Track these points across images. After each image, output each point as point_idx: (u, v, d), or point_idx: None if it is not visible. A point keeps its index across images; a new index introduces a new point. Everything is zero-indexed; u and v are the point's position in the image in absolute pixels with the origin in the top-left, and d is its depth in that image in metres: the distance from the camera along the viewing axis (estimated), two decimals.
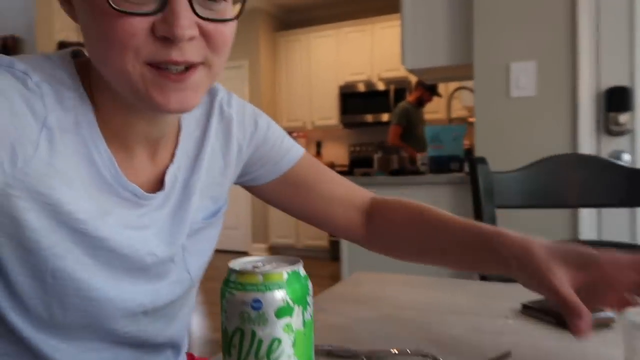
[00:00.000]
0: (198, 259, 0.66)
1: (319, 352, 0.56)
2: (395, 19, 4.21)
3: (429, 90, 4.13)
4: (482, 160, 1.16)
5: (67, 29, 3.66)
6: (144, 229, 0.57)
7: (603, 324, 0.62)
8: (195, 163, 0.64)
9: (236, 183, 0.74)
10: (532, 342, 0.58)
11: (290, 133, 5.66)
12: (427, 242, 0.67)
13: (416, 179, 2.25)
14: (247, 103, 0.72)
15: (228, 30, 0.50)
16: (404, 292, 0.82)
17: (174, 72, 0.47)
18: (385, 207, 0.73)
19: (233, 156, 0.68)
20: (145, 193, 0.57)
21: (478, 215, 1.14)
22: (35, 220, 0.48)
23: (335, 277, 2.93)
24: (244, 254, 5.40)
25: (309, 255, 5.13)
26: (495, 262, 0.56)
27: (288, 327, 0.36)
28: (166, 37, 0.45)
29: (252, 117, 0.70)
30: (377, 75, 5.34)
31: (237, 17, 0.50)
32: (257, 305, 0.36)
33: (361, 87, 5.36)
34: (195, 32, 0.46)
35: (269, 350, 0.36)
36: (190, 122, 0.64)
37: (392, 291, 0.83)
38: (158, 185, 0.60)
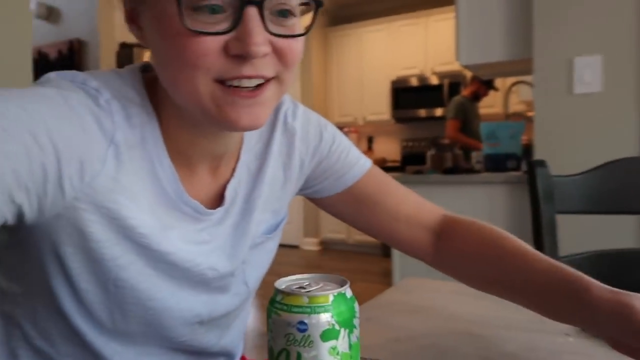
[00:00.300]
0: (257, 271, 0.66)
1: None
2: (450, 11, 4.09)
3: (486, 84, 3.99)
4: (542, 163, 1.11)
5: (128, 31, 3.82)
6: (204, 244, 0.58)
7: None
8: (257, 177, 0.63)
9: (298, 194, 0.73)
10: None
11: (341, 128, 5.65)
12: (503, 276, 0.61)
13: (471, 178, 2.18)
14: (313, 114, 0.70)
15: (299, 45, 0.50)
16: (455, 301, 0.80)
17: (246, 89, 0.47)
18: (458, 227, 0.68)
19: (295, 170, 0.67)
20: (205, 209, 0.57)
21: (536, 220, 1.09)
22: (100, 233, 0.49)
23: (387, 274, 2.90)
24: (295, 247, 5.46)
25: (360, 251, 5.12)
26: (579, 314, 0.51)
27: (334, 349, 0.36)
28: (239, 55, 0.45)
29: (317, 130, 0.68)
30: (430, 69, 5.22)
31: (306, 32, 0.50)
32: (302, 327, 0.36)
33: (414, 82, 5.27)
34: (268, 49, 0.46)
35: None
36: (252, 136, 0.63)
37: (443, 300, 0.81)
38: (218, 200, 0.60)
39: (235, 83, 0.46)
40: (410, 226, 0.70)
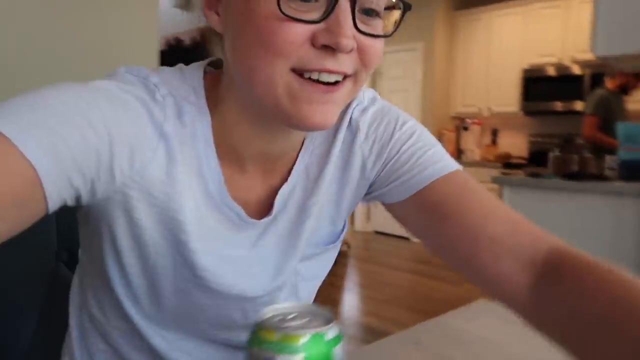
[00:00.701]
0: (310, 283, 0.64)
1: None
2: None
3: (636, 75, 3.49)
4: None
5: None
6: (243, 259, 0.57)
7: None
8: (316, 183, 0.59)
9: (363, 201, 0.66)
10: None
11: (463, 119, 5.42)
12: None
13: (597, 186, 1.93)
14: (392, 112, 0.63)
15: (380, 46, 0.48)
16: (526, 340, 0.71)
17: (324, 84, 0.46)
18: (577, 269, 0.47)
19: (354, 174, 0.61)
20: (248, 217, 0.56)
21: None
22: (144, 219, 0.51)
23: None
24: (406, 239, 5.37)
25: None
26: None
27: None
28: (327, 46, 0.44)
29: (389, 128, 0.60)
30: (570, 58, 4.69)
31: (391, 33, 0.49)
32: None
33: (550, 71, 4.78)
34: (354, 44, 0.45)
35: None
36: (315, 138, 0.59)
37: (512, 335, 0.72)
38: (269, 206, 0.57)
39: (315, 76, 0.45)
40: (497, 254, 0.51)
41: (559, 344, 0.46)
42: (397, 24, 0.49)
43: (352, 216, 6.05)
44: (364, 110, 0.61)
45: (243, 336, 0.60)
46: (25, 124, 0.41)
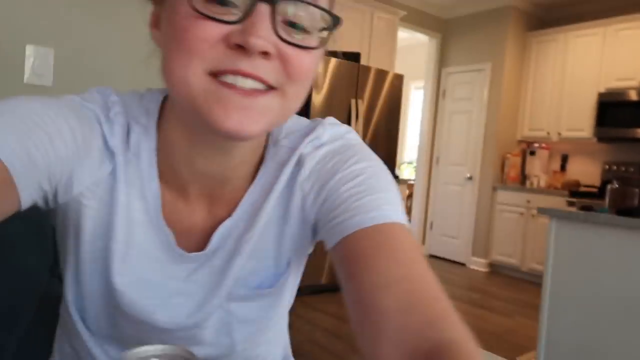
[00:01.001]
0: (247, 327, 0.60)
1: None
2: None
3: None
4: None
5: None
6: (170, 289, 0.56)
7: None
8: (254, 219, 0.56)
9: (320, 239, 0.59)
10: None
11: (531, 143, 5.15)
12: None
13: None
14: (349, 150, 0.57)
15: (307, 60, 0.46)
16: None
17: (239, 86, 0.44)
18: None
19: (295, 212, 0.57)
20: (178, 248, 0.55)
21: None
22: (87, 229, 0.54)
23: None
24: (462, 265, 5.16)
25: (533, 281, 4.57)
26: None
27: None
28: (239, 45, 0.42)
29: (335, 167, 0.55)
30: None
31: (318, 46, 0.46)
32: None
33: (629, 95, 4.43)
34: (271, 48, 0.43)
35: None
36: (268, 171, 0.57)
37: None
38: (208, 238, 0.56)
39: (230, 79, 0.43)
40: (380, 333, 0.43)
41: None
42: (327, 37, 0.47)
43: None
44: (319, 147, 0.57)
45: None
46: (2, 130, 0.43)
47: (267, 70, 0.44)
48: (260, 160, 0.58)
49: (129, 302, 0.55)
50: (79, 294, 0.57)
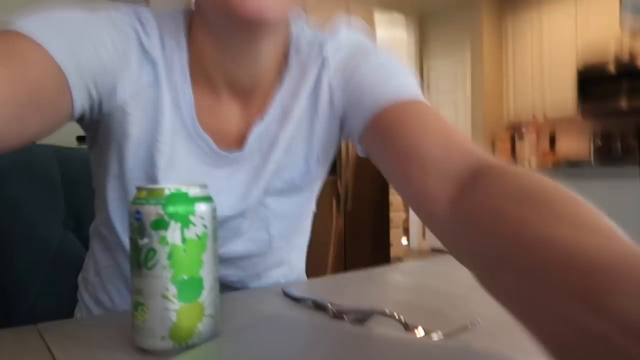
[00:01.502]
0: (282, 222, 0.65)
1: (286, 295, 0.56)
2: None
3: None
4: None
5: None
6: (214, 183, 0.58)
7: None
8: (286, 118, 0.61)
9: (348, 142, 0.66)
10: None
11: (518, 128, 5.22)
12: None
13: (629, 171, 1.82)
14: (365, 46, 0.64)
15: None
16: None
17: None
18: (494, 176, 0.42)
19: (323, 107, 0.62)
20: (217, 148, 0.59)
21: None
22: (134, 134, 0.57)
23: None
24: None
25: None
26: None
27: (163, 239, 0.39)
28: None
29: (353, 63, 0.61)
30: (629, 50, 4.39)
31: None
32: (138, 216, 0.40)
33: (609, 68, 4.48)
34: None
35: (146, 258, 0.39)
36: (294, 76, 0.62)
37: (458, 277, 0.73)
38: (244, 139, 0.61)
39: None
40: (425, 170, 0.49)
41: (464, 263, 0.42)
42: None
43: (407, 233, 5.97)
44: (338, 48, 0.63)
45: (224, 274, 0.63)
46: (52, 34, 0.47)
47: None
48: (286, 67, 0.63)
49: None
50: (123, 202, 0.60)
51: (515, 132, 5.30)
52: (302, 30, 0.65)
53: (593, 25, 4.63)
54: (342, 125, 0.64)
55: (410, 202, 0.52)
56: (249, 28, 0.52)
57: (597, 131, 4.84)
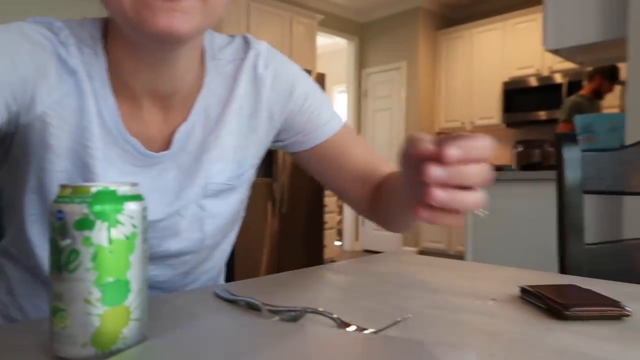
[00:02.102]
0: (216, 221, 0.67)
1: (218, 296, 0.56)
2: None
3: (609, 79, 3.54)
4: (570, 138, 0.97)
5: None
6: (146, 184, 0.60)
7: (611, 317, 0.48)
8: (217, 123, 0.64)
9: (273, 147, 0.75)
10: (497, 324, 0.47)
11: (448, 134, 5.47)
12: (382, 203, 0.70)
13: (546, 174, 1.97)
14: (290, 67, 0.71)
15: None
16: (408, 269, 0.74)
17: None
18: (384, 179, 0.72)
19: (262, 120, 0.68)
20: (145, 150, 0.60)
21: (560, 200, 0.95)
22: (57, 146, 0.56)
23: None
24: None
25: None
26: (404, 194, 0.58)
27: (87, 240, 0.37)
28: None
29: (289, 85, 0.69)
30: (548, 68, 4.79)
31: None
32: (60, 216, 0.37)
33: (529, 82, 4.86)
34: None
35: (67, 261, 0.37)
36: (214, 79, 0.65)
37: (394, 267, 0.75)
38: (169, 143, 0.62)
39: None
40: (363, 185, 0.73)
41: (383, 226, 0.74)
42: None
43: (340, 235, 6.06)
44: (267, 62, 0.68)
45: (152, 274, 0.64)
46: None
47: None
48: (204, 71, 0.64)
49: None
50: (42, 217, 0.58)
51: None
52: (211, 34, 0.67)
53: (518, 44, 4.98)
54: (279, 136, 0.72)
55: (353, 207, 0.78)
56: (162, 41, 0.53)
57: (519, 139, 5.18)
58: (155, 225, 0.61)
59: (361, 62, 5.92)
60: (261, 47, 0.68)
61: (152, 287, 0.66)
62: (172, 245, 0.64)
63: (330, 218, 4.80)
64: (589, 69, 4.28)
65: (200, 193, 0.64)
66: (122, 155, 0.59)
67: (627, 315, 0.48)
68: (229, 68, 0.66)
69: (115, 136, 0.58)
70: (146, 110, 0.61)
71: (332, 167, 0.73)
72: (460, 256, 4.87)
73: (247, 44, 0.68)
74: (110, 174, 0.58)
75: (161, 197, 0.62)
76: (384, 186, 0.70)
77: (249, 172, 0.70)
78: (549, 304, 0.50)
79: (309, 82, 0.72)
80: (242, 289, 0.61)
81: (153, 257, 0.64)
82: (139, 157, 0.60)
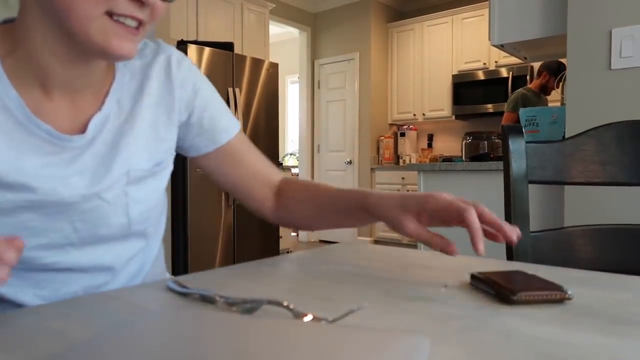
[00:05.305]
0: (140, 205, 0.69)
1: (170, 290, 0.54)
2: None
3: (555, 75, 3.70)
4: (516, 130, 1.01)
5: (183, 30, 4.03)
6: (62, 168, 0.61)
7: (554, 300, 0.50)
8: (130, 113, 0.68)
9: (177, 150, 0.79)
10: (450, 310, 0.49)
11: (401, 126, 5.60)
12: (319, 209, 0.78)
13: (494, 165, 2.04)
14: (196, 72, 0.77)
15: (164, 7, 0.60)
16: (367, 259, 0.75)
17: (129, 26, 0.57)
18: (290, 184, 0.83)
19: (175, 116, 0.74)
20: (59, 133, 0.61)
21: (507, 189, 0.99)
22: None
23: None
24: None
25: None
26: (365, 213, 0.69)
27: None
28: (141, 1, 0.56)
29: (194, 87, 0.75)
30: (495, 62, 4.96)
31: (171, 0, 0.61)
32: None
33: (477, 76, 5.03)
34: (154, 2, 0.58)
35: None
36: (124, 74, 0.69)
37: (350, 258, 0.76)
38: (83, 131, 0.64)
39: (122, 19, 0.56)
40: (262, 186, 0.82)
41: (294, 226, 0.85)
42: None
43: None
44: (180, 63, 0.74)
45: (78, 256, 0.64)
46: None
47: (146, 14, 0.58)
48: (114, 67, 0.69)
49: (32, 189, 0.59)
50: None
51: (398, 130, 5.64)
52: None
53: (466, 38, 5.12)
54: (180, 134, 0.76)
55: (252, 206, 0.84)
56: (113, 60, 0.64)
57: (467, 130, 5.36)
58: (76, 208, 0.62)
59: (314, 52, 5.91)
60: (172, 50, 0.74)
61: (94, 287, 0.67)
62: (100, 230, 0.65)
63: None
64: (532, 64, 4.48)
65: (123, 180, 0.66)
66: (38, 145, 0.60)
67: (569, 299, 0.50)
68: (138, 64, 0.71)
69: (26, 125, 0.59)
70: (56, 101, 0.62)
71: (232, 169, 0.81)
72: (413, 245, 5.00)
73: (158, 47, 0.74)
74: (23, 166, 0.58)
75: (79, 181, 0.63)
76: (317, 197, 0.78)
77: (168, 162, 0.74)
78: (497, 289, 0.52)
79: (212, 89, 0.79)
80: (196, 281, 0.60)
81: (84, 243, 0.64)
82: (55, 141, 0.61)
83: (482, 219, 0.58)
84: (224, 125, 0.79)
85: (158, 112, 0.71)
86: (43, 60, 0.59)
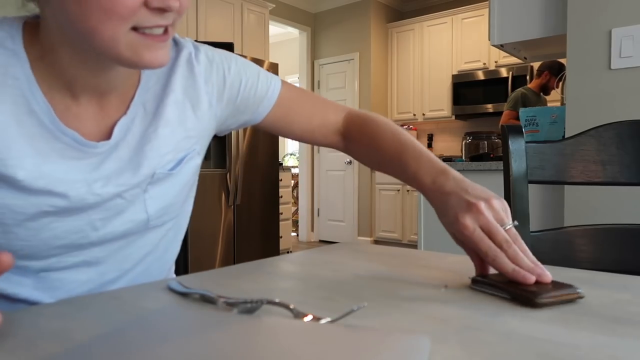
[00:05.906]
0: (159, 202, 0.69)
1: (171, 290, 0.55)
2: None
3: (555, 75, 3.70)
4: (516, 130, 1.01)
5: (181, 31, 4.03)
6: (89, 172, 0.61)
7: (567, 300, 0.50)
8: (154, 116, 0.67)
9: (234, 129, 0.82)
10: (447, 311, 0.49)
11: (400, 125, 5.59)
12: (384, 170, 0.79)
13: (494, 165, 2.04)
14: (216, 56, 0.75)
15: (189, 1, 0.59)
16: (364, 259, 0.75)
17: (157, 35, 0.56)
18: (353, 129, 0.83)
19: (204, 111, 0.72)
20: (84, 139, 0.61)
21: (507, 189, 0.99)
22: None
23: None
24: None
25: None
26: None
27: None
28: (159, 8, 0.53)
29: (220, 74, 0.74)
30: (495, 62, 4.96)
31: None
32: None
33: (477, 76, 5.03)
34: (178, 3, 0.55)
35: None
36: (150, 77, 0.68)
37: (350, 259, 0.76)
38: (108, 136, 0.64)
39: (148, 31, 0.55)
40: (323, 133, 0.84)
41: (364, 164, 0.84)
42: None
43: (296, 226, 6.08)
44: (197, 56, 0.72)
45: (96, 251, 0.65)
46: None
47: (172, 16, 0.56)
48: (138, 70, 0.68)
49: (50, 192, 0.58)
50: None
51: None
52: None
53: (466, 38, 5.12)
54: (227, 121, 0.78)
55: (318, 144, 0.87)
56: (146, 69, 0.61)
57: (468, 130, 5.36)
58: (96, 208, 0.63)
59: (314, 52, 5.92)
60: (188, 43, 0.73)
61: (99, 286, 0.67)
62: (118, 226, 0.65)
63: (285, 209, 4.79)
64: (532, 64, 4.48)
65: (147, 182, 0.66)
66: (62, 150, 0.60)
67: (581, 297, 0.50)
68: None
69: (52, 130, 0.59)
70: (83, 105, 0.62)
71: (288, 124, 0.83)
72: (413, 245, 5.00)
73: (176, 44, 0.72)
74: (44, 171, 0.58)
75: (103, 185, 0.62)
76: (379, 156, 0.78)
77: (195, 160, 0.72)
78: (514, 293, 0.52)
79: (239, 62, 0.77)
80: (196, 281, 0.60)
81: (103, 241, 0.65)
82: (79, 148, 0.61)
83: (515, 262, 0.55)
84: (262, 93, 0.78)
85: (184, 106, 0.70)
86: (72, 69, 0.59)
